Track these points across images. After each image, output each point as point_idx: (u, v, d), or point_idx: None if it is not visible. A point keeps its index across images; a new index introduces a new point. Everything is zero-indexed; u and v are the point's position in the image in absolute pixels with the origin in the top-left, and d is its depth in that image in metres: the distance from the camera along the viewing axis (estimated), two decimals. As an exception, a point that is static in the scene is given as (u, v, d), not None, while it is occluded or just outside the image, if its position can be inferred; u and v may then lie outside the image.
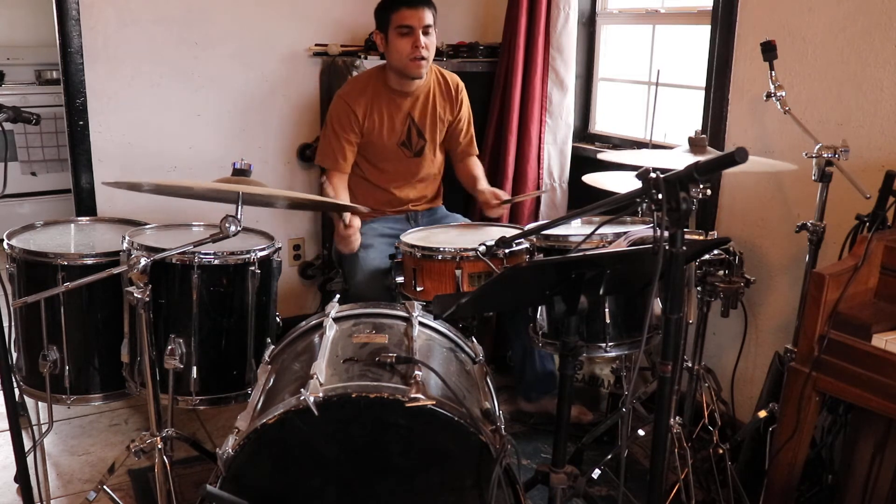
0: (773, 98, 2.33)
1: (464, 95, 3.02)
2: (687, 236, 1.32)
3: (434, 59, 2.90)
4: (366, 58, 3.29)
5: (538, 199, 3.37)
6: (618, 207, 1.54)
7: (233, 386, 2.24)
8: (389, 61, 2.83)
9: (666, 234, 1.31)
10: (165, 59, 3.20)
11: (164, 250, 1.95)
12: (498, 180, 3.35)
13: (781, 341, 2.55)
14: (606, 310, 2.08)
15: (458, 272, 2.31)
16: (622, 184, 2.33)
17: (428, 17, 2.75)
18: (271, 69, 3.40)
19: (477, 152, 3.11)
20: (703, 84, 2.76)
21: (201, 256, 2.11)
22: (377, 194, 2.96)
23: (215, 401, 2.22)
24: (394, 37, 2.75)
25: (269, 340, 2.28)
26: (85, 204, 3.15)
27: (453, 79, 3.01)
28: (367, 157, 2.93)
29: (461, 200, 3.40)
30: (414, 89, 2.87)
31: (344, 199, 2.83)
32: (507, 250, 2.26)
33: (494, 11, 3.65)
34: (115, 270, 1.90)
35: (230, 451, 1.55)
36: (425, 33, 2.75)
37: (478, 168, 3.06)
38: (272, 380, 1.81)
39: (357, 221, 2.62)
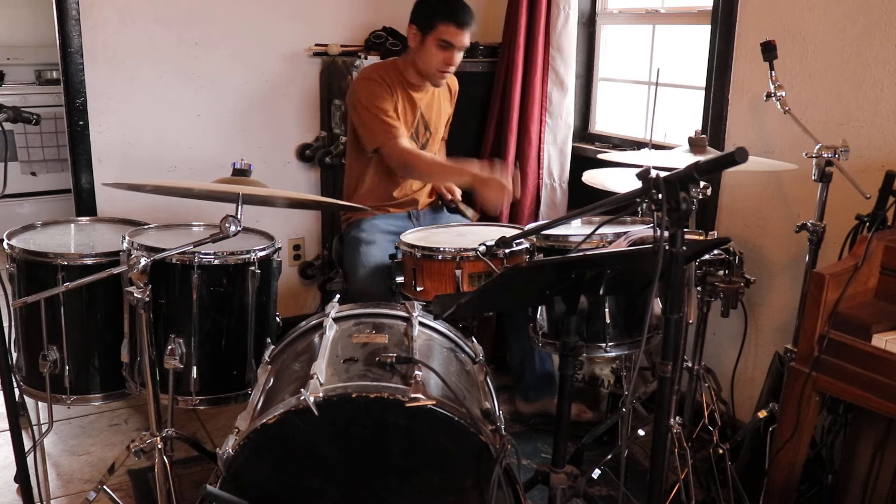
0: (773, 98, 2.33)
1: (456, 97, 3.11)
2: (687, 236, 1.32)
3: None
4: (366, 58, 3.29)
5: (538, 200, 3.37)
6: (618, 207, 1.54)
7: (233, 386, 2.24)
8: (415, 60, 2.81)
9: (666, 234, 1.31)
10: (165, 59, 3.20)
11: (164, 250, 1.95)
12: (498, 180, 3.35)
13: (781, 341, 2.55)
14: (606, 310, 2.08)
15: (458, 272, 2.31)
16: (622, 183, 2.33)
17: (468, 38, 2.77)
18: (271, 69, 3.40)
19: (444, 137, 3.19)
20: (703, 84, 2.76)
21: (201, 256, 2.10)
22: (382, 185, 2.96)
23: (215, 401, 2.22)
24: (431, 45, 2.74)
25: (269, 340, 2.28)
26: (85, 204, 3.15)
27: (453, 81, 3.06)
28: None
29: (461, 200, 3.40)
30: (428, 87, 2.91)
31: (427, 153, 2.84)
32: (507, 250, 2.26)
33: (494, 11, 3.65)
34: (115, 270, 1.90)
35: (230, 451, 1.55)
36: (459, 51, 2.78)
37: (441, 153, 3.13)
38: (272, 380, 1.81)
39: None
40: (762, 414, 2.33)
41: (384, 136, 2.75)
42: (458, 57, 2.78)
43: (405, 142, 2.76)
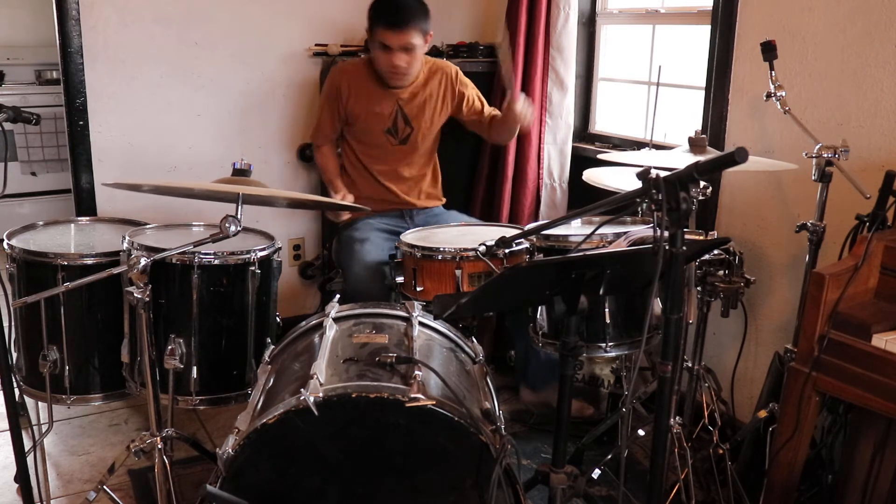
0: (773, 98, 2.33)
1: (462, 78, 3.04)
2: (687, 236, 1.32)
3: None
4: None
5: (538, 200, 3.37)
6: (618, 207, 1.54)
7: (233, 386, 2.24)
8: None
9: (666, 234, 1.31)
10: (165, 59, 3.20)
11: (164, 250, 1.95)
12: (498, 180, 3.35)
13: (781, 341, 2.55)
14: (606, 310, 2.08)
15: (458, 272, 2.31)
16: (622, 182, 2.33)
17: (412, 37, 2.74)
18: (271, 69, 3.40)
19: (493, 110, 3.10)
20: (703, 84, 2.76)
21: (201, 256, 2.10)
22: (367, 182, 2.99)
23: (215, 401, 2.22)
24: (375, 49, 2.82)
25: (269, 340, 2.28)
26: (85, 204, 3.14)
27: (446, 66, 3.02)
28: (355, 141, 2.97)
29: (461, 200, 3.40)
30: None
31: (332, 164, 3.03)
32: (507, 250, 2.26)
33: (494, 11, 3.65)
34: (115, 270, 1.90)
35: (230, 451, 1.55)
36: (406, 52, 2.77)
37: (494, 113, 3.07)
38: (272, 380, 1.81)
39: (350, 198, 2.83)
40: (762, 414, 2.33)
41: (314, 136, 3.08)
42: (405, 58, 2.78)
43: (324, 150, 3.05)
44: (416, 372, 1.61)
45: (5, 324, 2.00)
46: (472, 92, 3.05)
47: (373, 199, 2.94)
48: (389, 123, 2.92)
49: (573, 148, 3.36)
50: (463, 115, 3.04)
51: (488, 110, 3.06)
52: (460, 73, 3.05)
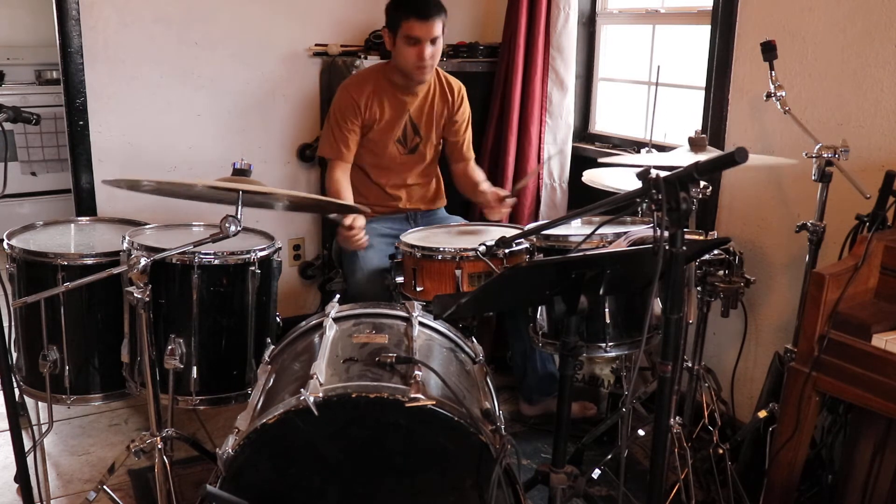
0: (773, 98, 2.33)
1: (464, 98, 3.01)
2: (687, 236, 1.33)
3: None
4: (366, 58, 3.29)
5: (538, 200, 3.37)
6: (618, 207, 1.54)
7: (233, 386, 2.24)
8: (395, 61, 2.83)
9: (666, 234, 1.31)
10: (165, 59, 3.20)
11: (164, 250, 1.95)
12: (498, 180, 3.35)
13: (781, 341, 2.55)
14: (606, 310, 2.08)
15: (458, 272, 2.31)
16: (622, 181, 2.33)
17: (437, 28, 2.74)
18: (271, 69, 3.40)
19: (473, 157, 3.08)
20: (703, 84, 2.76)
21: (201, 256, 2.11)
22: (372, 190, 2.97)
23: (215, 401, 2.22)
24: (401, 43, 2.75)
25: (269, 340, 2.28)
26: (85, 204, 3.15)
27: (456, 84, 3.01)
28: (364, 152, 2.94)
29: (461, 202, 3.40)
30: (415, 86, 2.88)
31: (346, 190, 2.83)
32: (507, 250, 2.26)
33: (494, 11, 3.65)
34: (115, 270, 1.90)
35: (230, 451, 1.55)
36: (432, 43, 2.75)
37: (477, 172, 3.05)
38: (272, 380, 1.81)
39: (360, 221, 2.63)
40: (762, 414, 2.33)
41: (331, 152, 2.87)
42: (431, 50, 2.74)
43: (339, 171, 2.85)
44: (416, 372, 1.61)
45: (5, 324, 2.00)
46: (463, 114, 3.01)
47: (378, 206, 2.94)
48: (400, 134, 2.92)
49: (573, 148, 3.36)
50: (443, 129, 3.00)
51: (467, 150, 3.04)
52: (465, 92, 3.02)
